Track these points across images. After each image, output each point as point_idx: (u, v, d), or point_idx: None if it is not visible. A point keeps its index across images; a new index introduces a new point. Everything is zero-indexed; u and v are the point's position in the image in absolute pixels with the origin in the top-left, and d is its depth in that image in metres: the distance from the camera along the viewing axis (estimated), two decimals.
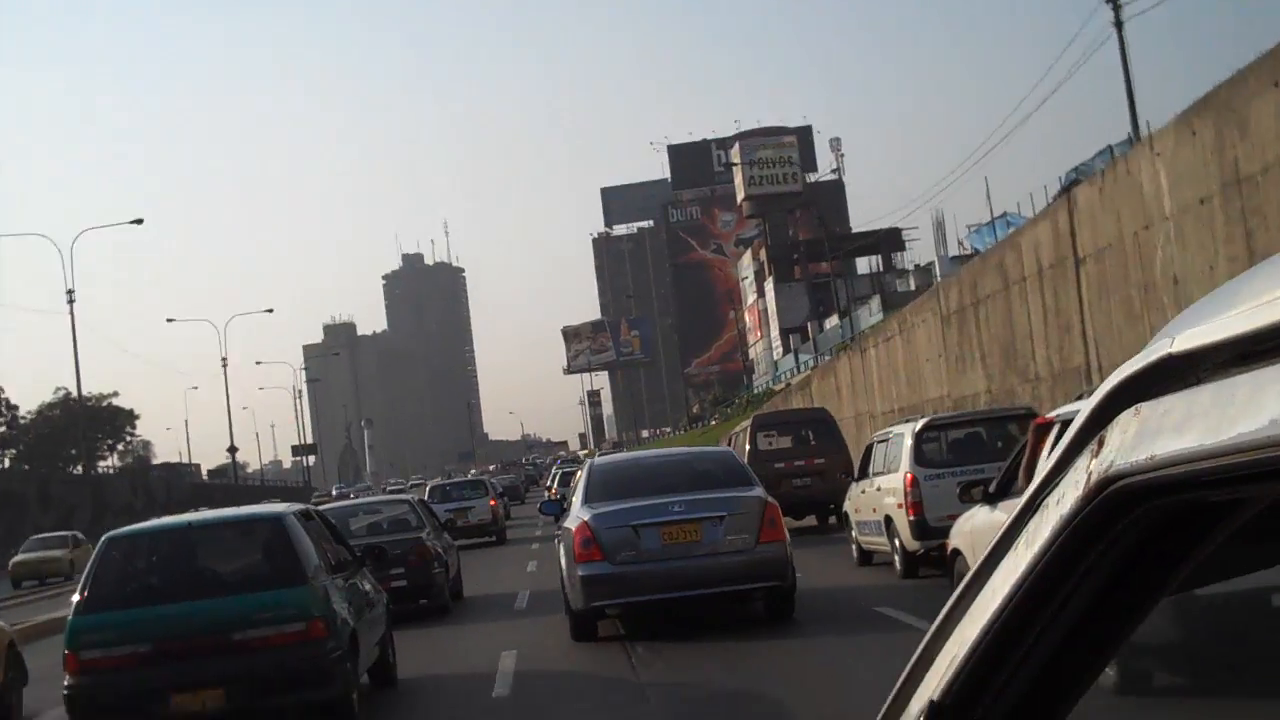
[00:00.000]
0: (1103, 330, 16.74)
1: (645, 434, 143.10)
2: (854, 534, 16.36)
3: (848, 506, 16.83)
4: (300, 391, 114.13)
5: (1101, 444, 0.94)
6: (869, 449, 16.30)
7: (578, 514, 11.85)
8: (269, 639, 8.41)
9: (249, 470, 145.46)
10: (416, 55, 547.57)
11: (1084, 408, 0.99)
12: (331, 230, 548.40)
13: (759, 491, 11.96)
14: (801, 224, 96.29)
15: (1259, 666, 6.28)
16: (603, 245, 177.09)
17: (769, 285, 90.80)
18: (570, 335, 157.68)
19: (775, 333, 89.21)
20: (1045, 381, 19.08)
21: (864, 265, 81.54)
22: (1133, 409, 0.91)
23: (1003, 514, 8.98)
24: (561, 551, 12.27)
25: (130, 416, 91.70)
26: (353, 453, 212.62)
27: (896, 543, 14.24)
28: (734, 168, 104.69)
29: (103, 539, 9.24)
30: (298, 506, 10.23)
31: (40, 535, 41.83)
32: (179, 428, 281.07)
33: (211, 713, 8.36)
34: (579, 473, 14.04)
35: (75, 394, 63.93)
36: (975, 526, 9.68)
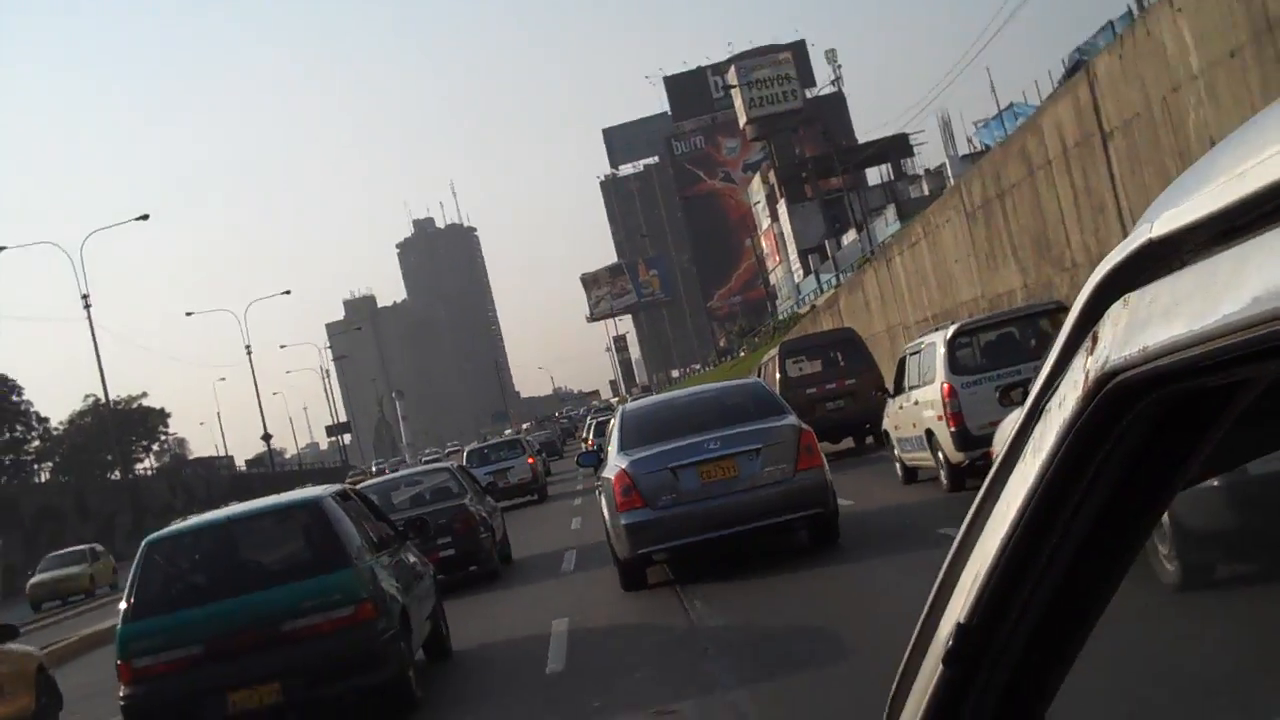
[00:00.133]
0: (1139, 206, 15.92)
1: (675, 374, 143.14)
2: (896, 452, 16.12)
3: (886, 424, 16.59)
4: (328, 371, 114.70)
5: (1095, 340, 0.91)
6: (902, 362, 15.99)
7: (615, 462, 11.77)
8: (318, 627, 8.31)
9: (287, 456, 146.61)
10: (405, 18, 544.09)
11: (1075, 304, 0.94)
12: (340, 205, 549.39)
13: (792, 419, 11.82)
14: (806, 141, 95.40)
15: None
16: (610, 187, 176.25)
17: (781, 208, 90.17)
18: (589, 282, 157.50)
19: (794, 255, 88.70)
20: (1083, 268, 18.25)
21: (874, 176, 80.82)
22: (1121, 300, 0.88)
23: None
24: (603, 502, 12.18)
25: (162, 416, 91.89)
26: (387, 426, 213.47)
27: (940, 456, 13.99)
28: (732, 91, 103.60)
29: (143, 543, 9.18)
30: (334, 488, 10.11)
31: (57, 553, 39.20)
32: (212, 421, 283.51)
33: (270, 707, 8.28)
34: (612, 420, 13.91)
35: (103, 399, 64.23)
36: None
